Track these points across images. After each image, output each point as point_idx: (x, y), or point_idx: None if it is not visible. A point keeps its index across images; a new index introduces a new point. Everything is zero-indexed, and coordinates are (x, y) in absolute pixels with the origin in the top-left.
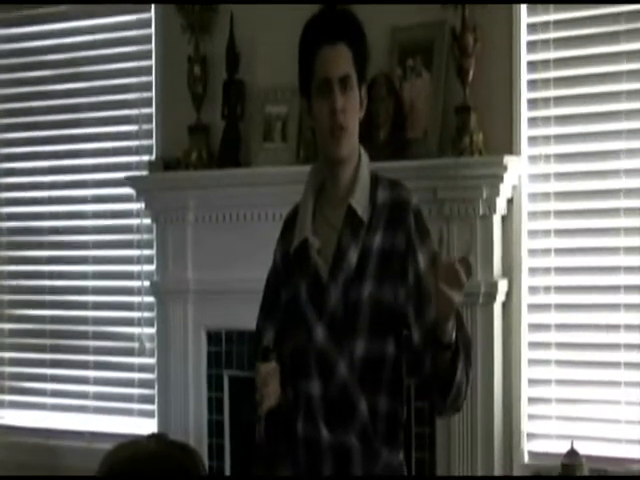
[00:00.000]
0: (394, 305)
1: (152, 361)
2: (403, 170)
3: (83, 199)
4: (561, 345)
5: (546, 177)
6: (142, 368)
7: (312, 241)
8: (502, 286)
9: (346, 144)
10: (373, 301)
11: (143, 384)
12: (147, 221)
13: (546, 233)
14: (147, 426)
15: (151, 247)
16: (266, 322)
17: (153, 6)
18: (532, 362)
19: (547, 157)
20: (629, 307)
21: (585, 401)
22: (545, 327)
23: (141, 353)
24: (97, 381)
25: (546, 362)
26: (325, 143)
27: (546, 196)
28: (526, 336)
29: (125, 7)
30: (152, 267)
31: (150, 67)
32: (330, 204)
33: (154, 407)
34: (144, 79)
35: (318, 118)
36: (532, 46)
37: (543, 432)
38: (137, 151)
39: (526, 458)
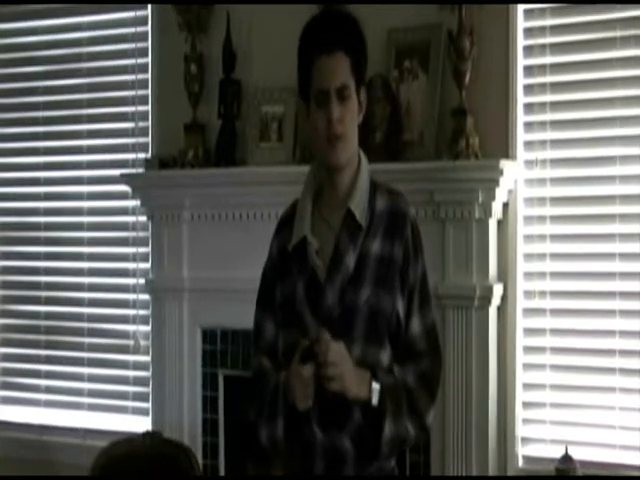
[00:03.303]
0: (391, 313)
1: (147, 359)
2: (399, 172)
3: (79, 196)
4: (556, 350)
5: (542, 182)
6: (137, 366)
7: (311, 240)
8: (497, 290)
9: (344, 152)
10: (370, 307)
11: (138, 382)
12: (143, 219)
13: (542, 238)
14: (141, 424)
15: (146, 245)
16: (265, 315)
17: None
18: (527, 366)
19: (543, 162)
20: (624, 313)
21: (580, 406)
22: (540, 332)
23: (136, 351)
24: (92, 378)
25: (541, 367)
26: (323, 151)
27: (542, 201)
28: (521, 340)
29: (122, 4)
30: (147, 265)
31: (146, 65)
32: (329, 206)
33: (149, 405)
34: (140, 77)
35: (315, 127)
36: (528, 50)
37: (537, 437)
38: (133, 149)
39: (520, 462)
